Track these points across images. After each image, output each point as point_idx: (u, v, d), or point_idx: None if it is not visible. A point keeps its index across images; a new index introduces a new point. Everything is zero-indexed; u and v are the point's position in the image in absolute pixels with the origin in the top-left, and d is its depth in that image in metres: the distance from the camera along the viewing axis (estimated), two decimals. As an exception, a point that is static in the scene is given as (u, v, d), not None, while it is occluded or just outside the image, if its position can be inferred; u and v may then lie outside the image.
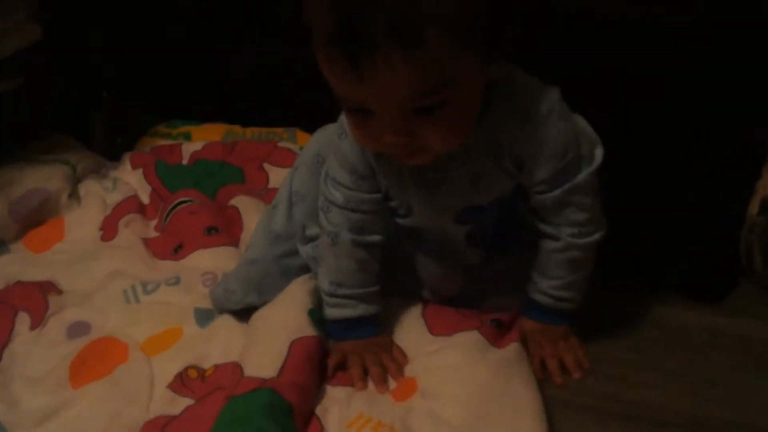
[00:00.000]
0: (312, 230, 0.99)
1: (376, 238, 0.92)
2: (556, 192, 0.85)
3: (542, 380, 0.91)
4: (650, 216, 1.06)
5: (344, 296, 0.93)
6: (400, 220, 0.92)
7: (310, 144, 1.01)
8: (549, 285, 0.91)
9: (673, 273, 1.06)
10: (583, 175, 0.84)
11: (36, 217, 1.19)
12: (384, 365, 0.92)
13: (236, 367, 0.90)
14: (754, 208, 1.04)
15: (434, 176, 0.85)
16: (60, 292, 1.06)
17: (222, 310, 1.00)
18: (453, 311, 0.98)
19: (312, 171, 0.97)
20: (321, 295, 0.96)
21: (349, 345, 0.94)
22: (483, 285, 0.97)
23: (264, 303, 0.99)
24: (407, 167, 0.85)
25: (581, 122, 0.86)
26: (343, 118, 0.88)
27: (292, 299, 0.97)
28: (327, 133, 0.96)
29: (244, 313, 0.99)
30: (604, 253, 1.06)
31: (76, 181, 1.26)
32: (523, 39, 0.79)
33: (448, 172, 0.85)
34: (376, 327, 0.95)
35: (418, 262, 0.97)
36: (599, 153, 0.86)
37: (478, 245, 0.93)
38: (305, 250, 1.00)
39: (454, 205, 0.87)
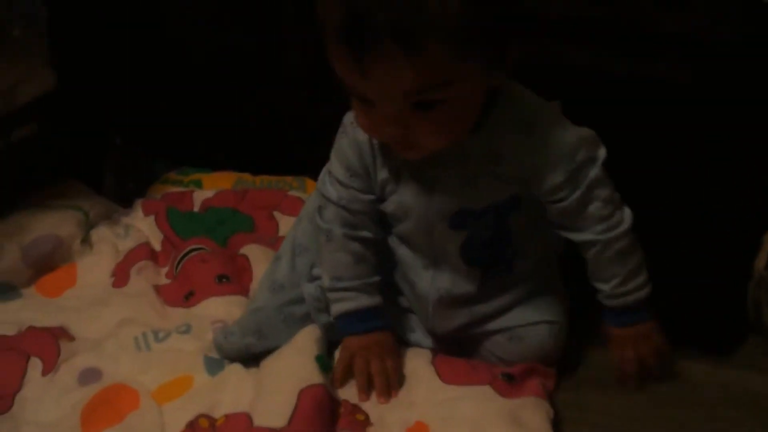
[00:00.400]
0: (318, 271, 1.00)
1: (367, 234, 0.95)
2: (577, 193, 0.87)
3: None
4: (659, 268, 1.07)
5: (344, 289, 0.95)
6: (395, 229, 0.95)
7: (313, 196, 1.05)
8: (611, 287, 0.92)
9: (682, 325, 1.06)
10: (595, 170, 0.87)
11: (48, 262, 1.19)
12: (388, 374, 0.95)
13: (246, 417, 0.91)
14: (761, 261, 1.05)
15: (430, 174, 0.88)
16: (72, 338, 1.06)
17: (224, 355, 1.01)
18: (463, 361, 0.98)
19: (315, 223, 0.99)
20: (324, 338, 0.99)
21: (354, 342, 0.96)
22: (480, 323, 0.98)
23: (265, 347, 1.00)
24: (406, 164, 0.88)
25: (582, 129, 0.89)
26: (346, 119, 0.92)
27: (299, 347, 0.98)
28: None
29: (253, 362, 1.00)
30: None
31: (88, 227, 1.26)
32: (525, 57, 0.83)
33: (443, 171, 0.88)
34: (380, 320, 0.97)
35: (413, 292, 0.98)
36: (603, 150, 0.89)
37: (471, 263, 0.93)
38: (310, 288, 1.00)
39: (447, 206, 0.89)
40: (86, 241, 1.24)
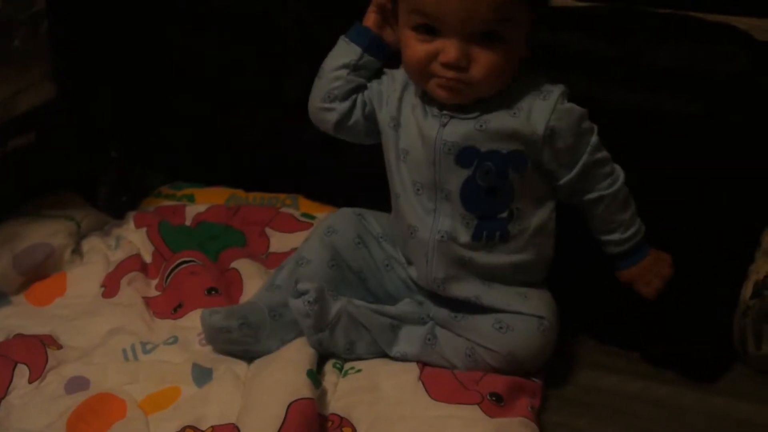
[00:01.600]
0: (303, 285, 1.01)
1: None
2: (584, 158, 0.98)
3: None
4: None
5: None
6: (406, 163, 1.01)
7: (325, 219, 1.11)
8: (618, 235, 1.03)
9: (669, 354, 1.07)
10: (594, 137, 0.99)
11: (39, 271, 1.19)
12: None
13: (234, 429, 0.90)
14: (747, 291, 1.06)
15: (448, 113, 0.98)
16: (59, 346, 1.06)
17: (205, 333, 1.02)
18: (450, 376, 0.99)
19: (322, 241, 1.07)
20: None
21: None
22: (474, 284, 1.01)
23: (244, 342, 1.01)
24: (429, 101, 0.99)
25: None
26: None
27: (289, 360, 0.98)
28: (342, 212, 1.12)
29: (240, 369, 0.99)
30: (601, 332, 1.08)
31: (80, 237, 1.27)
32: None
33: (461, 112, 0.97)
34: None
35: (414, 240, 1.02)
36: (594, 125, 1.00)
37: (469, 208, 0.99)
38: (297, 304, 1.01)
39: (456, 139, 0.97)
40: (77, 251, 1.24)
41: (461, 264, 1.00)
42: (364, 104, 1.06)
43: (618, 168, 1.01)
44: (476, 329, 0.99)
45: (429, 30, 0.93)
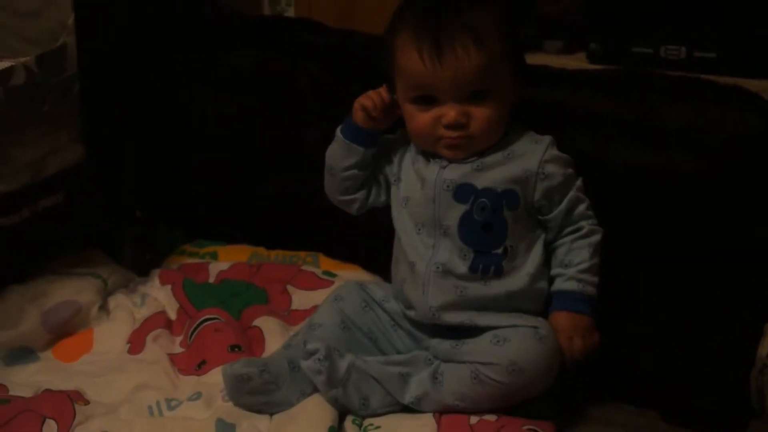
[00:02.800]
0: (312, 345, 1.04)
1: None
2: (570, 195, 1.06)
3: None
4: (665, 355, 1.09)
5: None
6: (408, 209, 1.09)
7: (332, 291, 1.18)
8: (575, 270, 1.06)
9: (687, 411, 1.08)
10: (579, 182, 1.08)
11: (67, 327, 1.22)
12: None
13: (257, 485, 0.92)
14: (763, 349, 1.06)
15: (448, 160, 1.07)
16: (87, 402, 1.07)
17: (226, 384, 1.05)
18: (467, 429, 0.99)
19: (332, 306, 1.13)
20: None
21: None
22: (469, 309, 1.05)
23: (266, 389, 1.03)
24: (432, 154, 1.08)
25: None
26: None
27: (310, 417, 1.00)
28: (346, 283, 1.19)
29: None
30: (619, 390, 1.09)
31: (106, 294, 1.30)
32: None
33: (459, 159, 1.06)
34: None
35: (412, 274, 1.07)
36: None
37: (466, 241, 1.05)
38: (308, 364, 1.04)
39: (454, 178, 1.06)
40: (104, 308, 1.27)
41: (456, 294, 1.05)
42: (380, 184, 1.16)
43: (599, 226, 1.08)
44: (476, 350, 1.02)
45: (427, 100, 1.04)
